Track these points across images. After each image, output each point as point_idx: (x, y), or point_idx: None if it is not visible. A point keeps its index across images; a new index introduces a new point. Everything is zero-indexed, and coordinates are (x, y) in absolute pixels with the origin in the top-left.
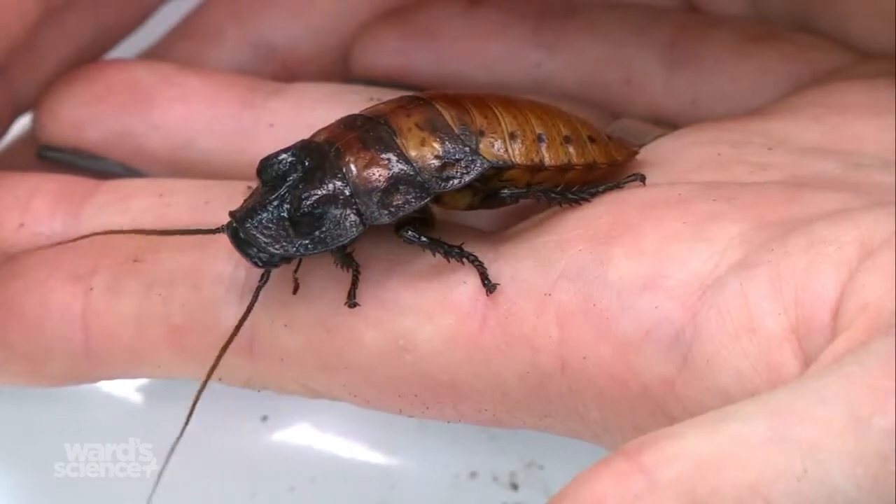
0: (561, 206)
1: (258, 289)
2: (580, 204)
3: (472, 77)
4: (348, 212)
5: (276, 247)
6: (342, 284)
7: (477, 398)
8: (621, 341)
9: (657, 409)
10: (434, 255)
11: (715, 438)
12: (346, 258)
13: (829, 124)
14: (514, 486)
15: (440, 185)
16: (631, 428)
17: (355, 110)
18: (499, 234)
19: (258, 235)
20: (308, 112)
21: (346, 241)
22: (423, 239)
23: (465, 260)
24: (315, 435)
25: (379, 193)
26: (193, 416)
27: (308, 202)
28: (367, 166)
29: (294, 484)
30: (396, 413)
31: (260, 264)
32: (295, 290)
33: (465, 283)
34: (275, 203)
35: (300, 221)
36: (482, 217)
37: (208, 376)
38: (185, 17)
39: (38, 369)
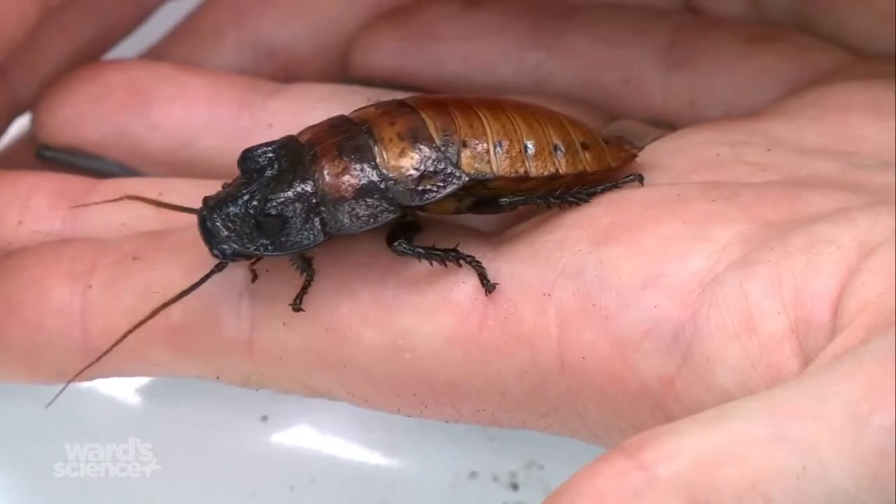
0: (560, 207)
1: (210, 272)
2: (579, 205)
3: (471, 78)
4: (312, 219)
5: (238, 243)
6: (341, 284)
7: (476, 398)
8: (621, 340)
9: (656, 408)
10: (431, 263)
11: (714, 436)
12: (303, 263)
13: (828, 125)
14: (514, 486)
15: (415, 199)
16: (630, 427)
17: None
18: (498, 235)
19: (221, 229)
20: (307, 112)
21: (304, 249)
22: (418, 250)
23: (462, 262)
24: (315, 435)
25: (346, 203)
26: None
27: (273, 204)
28: (339, 175)
29: (294, 484)
30: (395, 412)
31: (220, 257)
32: (253, 280)
33: (464, 283)
34: (245, 198)
35: (263, 222)
36: (481, 217)
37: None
38: (185, 18)
39: (36, 366)
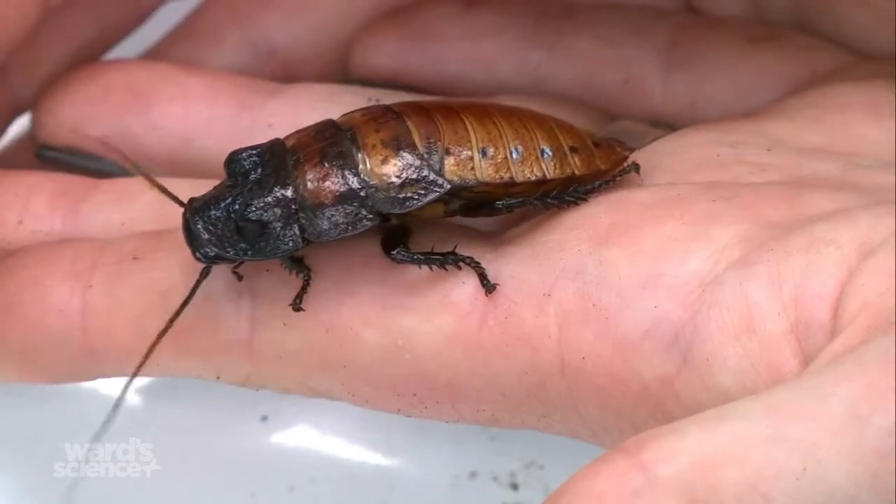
0: (558, 208)
1: (197, 282)
2: (577, 205)
3: (471, 78)
4: (291, 225)
5: (218, 247)
6: (341, 284)
7: (476, 398)
8: (621, 341)
9: (656, 409)
10: (431, 268)
11: (715, 436)
12: (296, 264)
13: (828, 125)
14: (514, 486)
15: (396, 206)
16: (630, 427)
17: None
18: (498, 235)
19: (203, 232)
20: (307, 112)
21: (283, 254)
22: (417, 256)
23: (462, 264)
24: (315, 435)
25: (325, 210)
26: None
27: (253, 209)
28: (320, 181)
29: (294, 484)
30: (395, 412)
31: (202, 260)
32: (239, 279)
33: (464, 284)
34: (227, 201)
35: (243, 226)
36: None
37: (147, 354)
38: (184, 18)
39: (35, 366)
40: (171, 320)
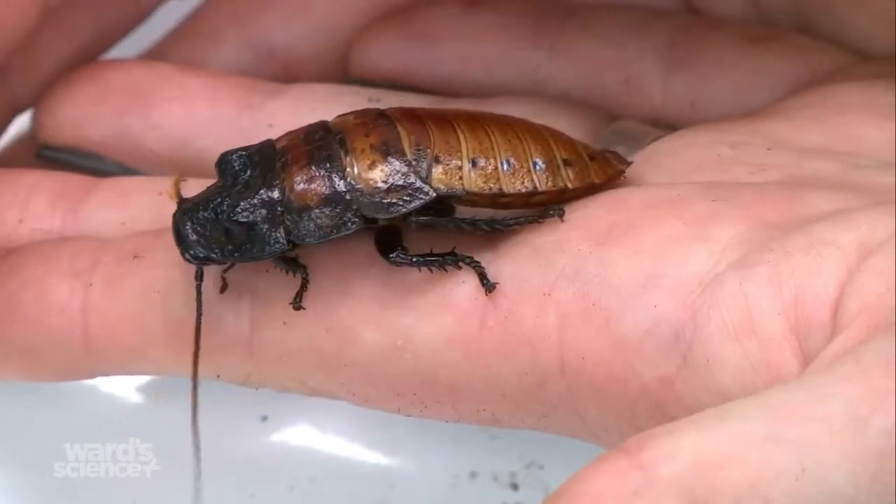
0: (473, 233)
1: (198, 287)
2: (493, 233)
3: (471, 78)
4: (276, 227)
5: (206, 248)
6: (341, 284)
7: (476, 398)
8: (621, 341)
9: (656, 409)
10: (431, 270)
11: (714, 436)
12: (290, 264)
13: (828, 125)
14: (514, 486)
15: (380, 211)
16: (630, 427)
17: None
18: (499, 235)
19: (191, 233)
20: (307, 113)
21: (269, 256)
22: (416, 259)
23: (462, 264)
24: (315, 435)
25: (309, 212)
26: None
27: (239, 210)
28: (306, 184)
29: (294, 484)
30: (395, 412)
31: (191, 261)
32: (222, 290)
33: (464, 283)
34: (215, 202)
35: (230, 228)
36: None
37: (195, 379)
38: (184, 18)
39: (36, 365)
40: (197, 333)
